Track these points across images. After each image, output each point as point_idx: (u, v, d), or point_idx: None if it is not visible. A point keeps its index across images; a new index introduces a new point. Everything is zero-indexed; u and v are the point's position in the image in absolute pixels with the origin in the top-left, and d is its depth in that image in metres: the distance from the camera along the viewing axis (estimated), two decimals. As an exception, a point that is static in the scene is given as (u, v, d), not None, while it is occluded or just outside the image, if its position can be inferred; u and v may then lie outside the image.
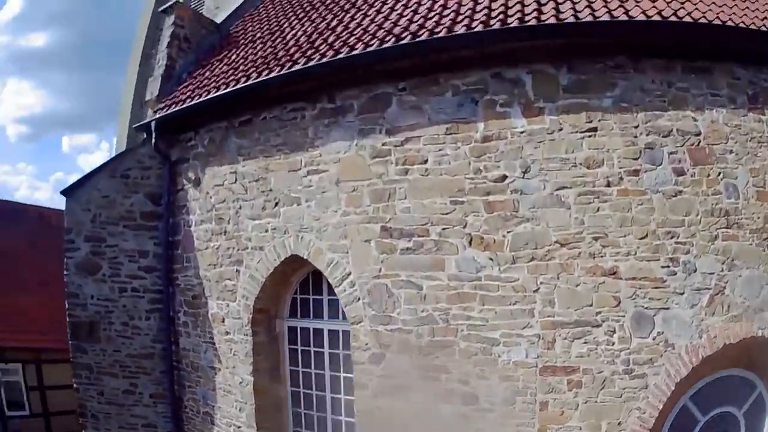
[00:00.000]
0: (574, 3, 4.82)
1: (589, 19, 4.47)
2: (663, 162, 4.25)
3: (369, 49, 4.95)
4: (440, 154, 4.82)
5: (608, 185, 4.32)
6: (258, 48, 6.52)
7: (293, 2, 7.72)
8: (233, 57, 6.70)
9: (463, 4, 5.35)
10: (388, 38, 5.04)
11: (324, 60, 5.15)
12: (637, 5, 4.59)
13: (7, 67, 54.84)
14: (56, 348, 8.43)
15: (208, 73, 6.64)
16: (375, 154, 5.06)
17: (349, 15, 6.16)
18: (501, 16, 4.78)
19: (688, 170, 4.22)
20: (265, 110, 5.68)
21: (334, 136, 5.26)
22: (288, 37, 6.37)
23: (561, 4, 4.87)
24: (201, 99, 5.88)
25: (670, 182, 4.22)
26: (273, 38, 6.57)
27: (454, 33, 4.71)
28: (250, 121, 5.78)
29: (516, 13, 4.78)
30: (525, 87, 4.65)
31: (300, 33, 6.29)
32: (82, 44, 52.06)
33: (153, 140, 6.23)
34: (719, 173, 4.21)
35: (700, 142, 4.28)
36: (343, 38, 5.51)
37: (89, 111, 59.91)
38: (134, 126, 6.53)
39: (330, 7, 6.77)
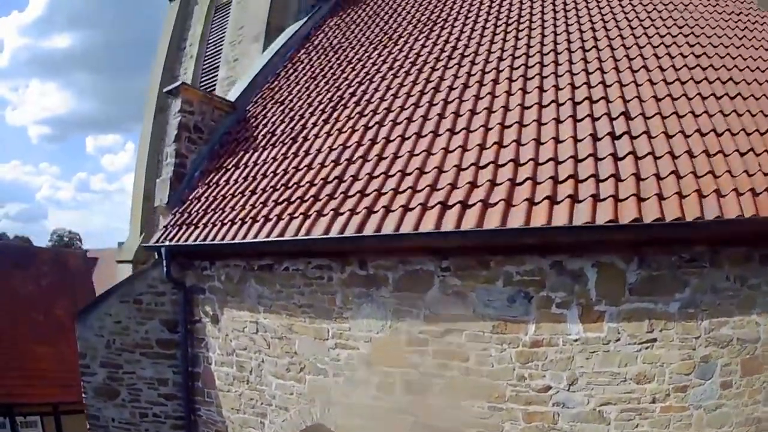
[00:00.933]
0: (658, 177, 3.94)
1: (677, 214, 3.64)
2: (714, 376, 3.66)
3: (404, 231, 4.18)
4: (484, 354, 4.18)
5: (653, 401, 3.76)
6: (279, 155, 5.70)
7: (316, 75, 6.71)
8: (250, 163, 5.91)
9: (520, 160, 4.34)
10: (431, 202, 4.26)
11: (351, 232, 4.38)
12: (727, 170, 3.77)
13: (30, 68, 53.96)
14: (74, 401, 8.36)
15: (223, 182, 5.90)
16: (411, 340, 4.44)
17: (383, 131, 5.23)
18: (570, 185, 3.96)
19: (735, 383, 3.63)
20: (286, 259, 5.03)
21: (365, 311, 4.63)
22: (312, 149, 5.51)
23: (641, 169, 4.01)
24: (211, 240, 5.22)
25: (715, 396, 3.65)
26: (296, 145, 5.72)
27: (508, 227, 3.89)
28: (270, 267, 5.15)
29: (587, 181, 3.95)
30: (587, 284, 3.92)
31: (326, 147, 5.42)
32: (107, 45, 50.35)
33: (165, 266, 5.68)
34: (764, 382, 3.61)
35: (756, 349, 3.63)
36: (377, 182, 4.70)
37: (114, 112, 59.51)
38: (143, 245, 5.94)
39: (361, 103, 5.79)
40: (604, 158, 4.17)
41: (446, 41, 6.23)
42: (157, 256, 5.86)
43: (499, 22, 6.26)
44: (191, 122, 6.26)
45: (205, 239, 5.35)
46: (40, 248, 11.56)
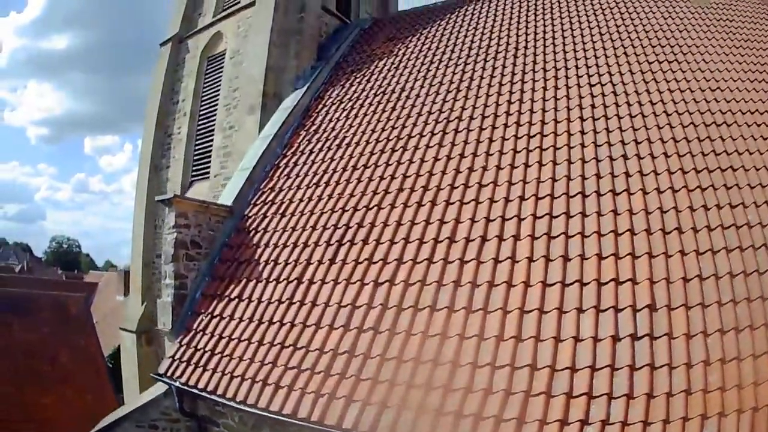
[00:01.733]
0: (669, 394, 3.81)
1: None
2: None
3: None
4: None
5: None
6: (285, 299, 5.44)
7: (320, 180, 6.18)
8: (254, 298, 5.64)
9: (537, 365, 4.13)
10: (447, 408, 4.15)
11: (365, 427, 4.32)
12: (736, 384, 3.63)
13: (28, 69, 48.03)
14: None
15: (227, 316, 5.68)
16: None
17: (395, 295, 4.90)
18: (583, 405, 3.88)
19: None
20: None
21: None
22: (319, 300, 5.21)
23: (655, 385, 3.87)
24: (221, 393, 5.16)
25: None
26: (302, 288, 5.41)
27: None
28: (283, 423, 5.18)
29: (600, 398, 3.89)
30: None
31: (334, 302, 5.14)
32: (104, 46, 44.33)
33: (177, 401, 5.69)
34: None
35: None
36: (390, 367, 4.53)
37: (112, 112, 54.35)
38: (151, 374, 5.87)
39: (369, 243, 5.38)
40: (621, 368, 4.02)
41: (461, 155, 5.63)
42: (167, 387, 5.85)
43: (521, 133, 5.62)
44: (188, 238, 5.88)
45: (215, 389, 5.28)
46: (40, 293, 11.32)
